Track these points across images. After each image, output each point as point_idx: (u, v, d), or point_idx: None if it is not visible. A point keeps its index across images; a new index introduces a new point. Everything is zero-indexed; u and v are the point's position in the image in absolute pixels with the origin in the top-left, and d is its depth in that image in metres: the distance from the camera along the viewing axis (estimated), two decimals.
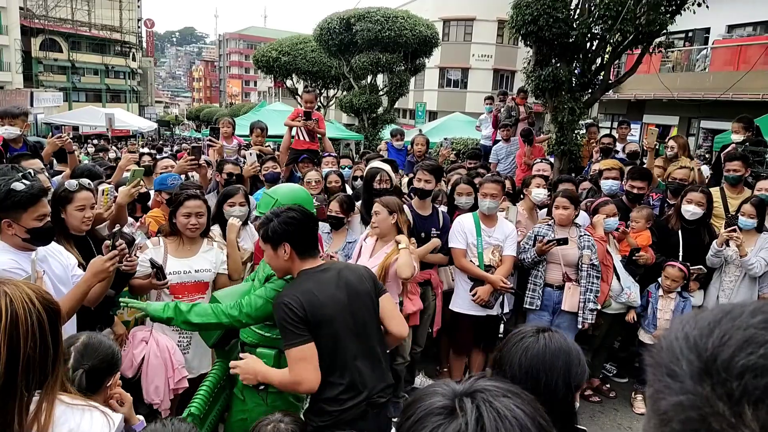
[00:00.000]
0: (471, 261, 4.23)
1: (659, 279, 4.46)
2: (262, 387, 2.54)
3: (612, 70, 10.28)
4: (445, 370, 4.89)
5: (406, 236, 3.63)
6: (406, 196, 4.74)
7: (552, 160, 8.35)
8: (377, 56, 16.84)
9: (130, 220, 3.86)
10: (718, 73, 15.46)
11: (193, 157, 4.65)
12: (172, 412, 3.19)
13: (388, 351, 2.68)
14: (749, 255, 4.25)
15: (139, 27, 53.85)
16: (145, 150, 13.79)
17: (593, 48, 9.40)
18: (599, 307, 4.26)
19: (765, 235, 4.38)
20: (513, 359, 1.50)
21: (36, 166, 4.03)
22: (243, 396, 2.69)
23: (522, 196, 5.18)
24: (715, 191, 4.89)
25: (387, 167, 4.63)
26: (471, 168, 6.41)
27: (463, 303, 4.30)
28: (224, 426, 2.89)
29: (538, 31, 8.81)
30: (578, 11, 9.06)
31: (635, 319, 4.55)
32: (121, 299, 2.75)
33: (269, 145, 7.55)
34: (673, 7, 8.78)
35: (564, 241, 4.09)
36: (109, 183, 3.80)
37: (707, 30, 17.53)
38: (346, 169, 5.98)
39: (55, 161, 5.42)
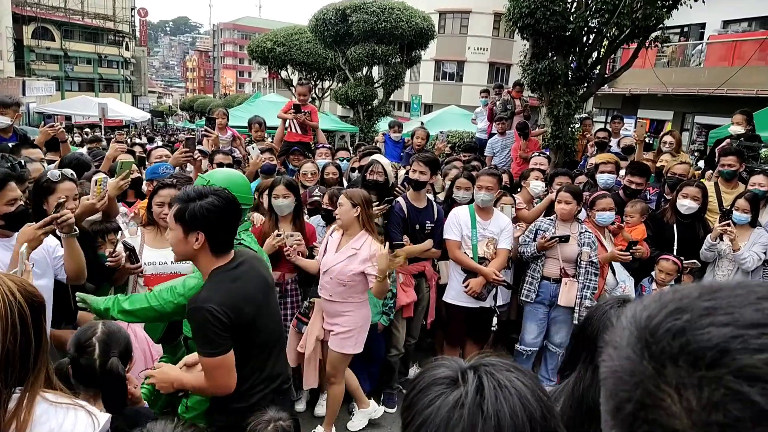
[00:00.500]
0: (465, 253, 4.24)
1: (653, 272, 4.48)
2: (181, 393, 2.45)
3: (608, 64, 10.28)
4: None
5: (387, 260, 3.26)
6: (400, 187, 4.74)
7: (548, 153, 8.36)
8: (373, 48, 16.78)
9: (124, 210, 3.84)
10: (712, 68, 15.51)
11: (188, 148, 4.62)
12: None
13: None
14: (742, 249, 4.28)
15: (132, 16, 53.32)
16: (138, 140, 13.71)
17: (590, 42, 9.40)
18: (595, 303, 4.27)
19: (758, 230, 4.41)
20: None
21: (36, 155, 4.02)
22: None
23: (519, 189, 5.19)
24: (709, 185, 4.91)
25: (383, 159, 4.63)
26: (465, 161, 6.42)
27: (456, 294, 4.31)
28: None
29: (534, 24, 8.79)
30: (575, 4, 9.05)
31: None
32: (77, 294, 2.60)
33: (268, 138, 7.55)
34: (670, 2, 8.78)
35: (566, 239, 4.11)
36: (105, 173, 3.77)
37: (703, 25, 17.57)
38: (344, 161, 5.97)
39: (45, 150, 5.38)
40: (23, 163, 3.42)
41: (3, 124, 4.79)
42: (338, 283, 3.51)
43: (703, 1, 8.77)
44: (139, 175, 4.39)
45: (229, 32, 79.67)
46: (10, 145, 4.51)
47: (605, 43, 9.43)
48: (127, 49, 50.71)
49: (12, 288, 1.29)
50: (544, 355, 4.49)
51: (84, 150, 7.46)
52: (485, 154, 8.15)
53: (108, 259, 3.16)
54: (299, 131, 6.46)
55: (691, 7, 8.77)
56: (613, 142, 7.62)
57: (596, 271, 4.20)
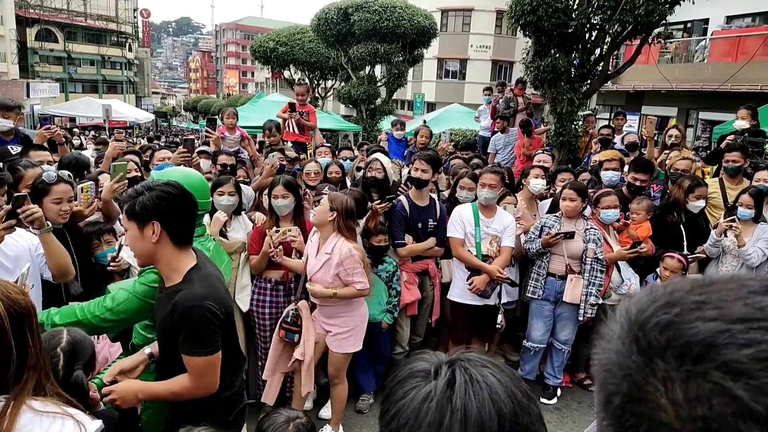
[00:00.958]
0: (469, 250, 4.23)
1: (657, 270, 4.46)
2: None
3: (611, 60, 10.25)
4: None
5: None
6: (403, 187, 4.74)
7: (552, 151, 8.34)
8: (375, 47, 16.75)
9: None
10: (716, 64, 15.44)
11: (186, 150, 4.63)
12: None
13: None
14: (747, 245, 4.26)
15: (135, 17, 53.50)
16: (144, 143, 13.75)
17: (592, 38, 9.36)
18: (600, 301, 4.26)
19: (763, 225, 4.40)
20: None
21: (44, 158, 4.06)
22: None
23: (521, 187, 5.18)
24: (713, 182, 4.89)
25: (383, 157, 4.63)
26: (466, 159, 6.42)
27: (460, 292, 4.32)
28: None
29: (537, 21, 8.77)
30: (577, 1, 9.02)
31: None
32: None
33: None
34: None
35: (571, 235, 4.10)
36: (99, 173, 3.79)
37: (706, 21, 17.49)
38: (348, 161, 5.97)
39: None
40: (2, 168, 3.43)
41: (5, 126, 4.81)
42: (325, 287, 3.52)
43: None
44: (138, 174, 4.40)
45: (232, 32, 79.78)
46: (18, 148, 4.54)
47: (608, 39, 9.40)
48: (130, 50, 50.88)
49: None
50: (549, 352, 4.48)
51: (89, 152, 7.50)
52: (488, 151, 8.15)
53: (111, 264, 3.17)
54: (296, 131, 6.61)
55: (693, 3, 8.71)
56: (617, 138, 7.60)
57: (602, 267, 4.18)
